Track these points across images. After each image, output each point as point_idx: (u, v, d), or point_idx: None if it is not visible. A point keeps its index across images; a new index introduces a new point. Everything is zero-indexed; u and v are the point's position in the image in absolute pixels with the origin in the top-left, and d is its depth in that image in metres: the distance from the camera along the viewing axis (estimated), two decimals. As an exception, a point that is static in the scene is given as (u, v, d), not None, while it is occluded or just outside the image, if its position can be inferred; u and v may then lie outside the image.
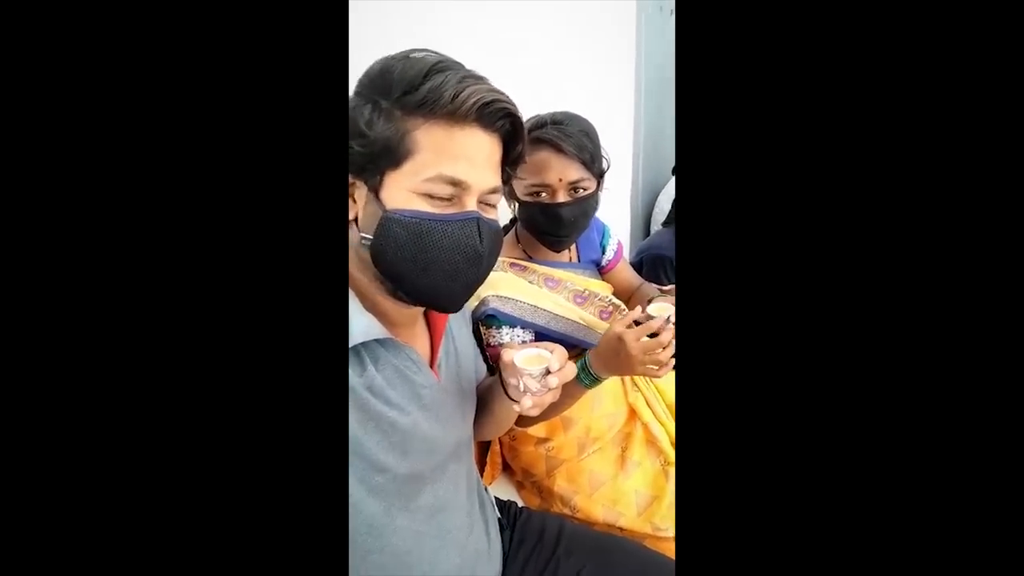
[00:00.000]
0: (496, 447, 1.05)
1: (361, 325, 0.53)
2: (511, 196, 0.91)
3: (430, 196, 0.52)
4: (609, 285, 1.05)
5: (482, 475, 1.01)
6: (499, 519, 0.79)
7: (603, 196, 0.93)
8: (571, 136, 0.83)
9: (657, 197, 1.94)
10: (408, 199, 0.51)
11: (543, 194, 0.87)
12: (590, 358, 0.78)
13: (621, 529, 0.90)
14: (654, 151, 1.85)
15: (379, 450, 0.55)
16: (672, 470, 0.93)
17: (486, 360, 0.84)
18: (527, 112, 0.88)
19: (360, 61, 0.52)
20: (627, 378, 1.00)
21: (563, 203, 0.86)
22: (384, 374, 0.56)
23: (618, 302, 1.01)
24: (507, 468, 1.07)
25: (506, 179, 0.60)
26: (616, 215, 1.72)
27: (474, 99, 0.50)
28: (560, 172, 0.84)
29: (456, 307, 0.59)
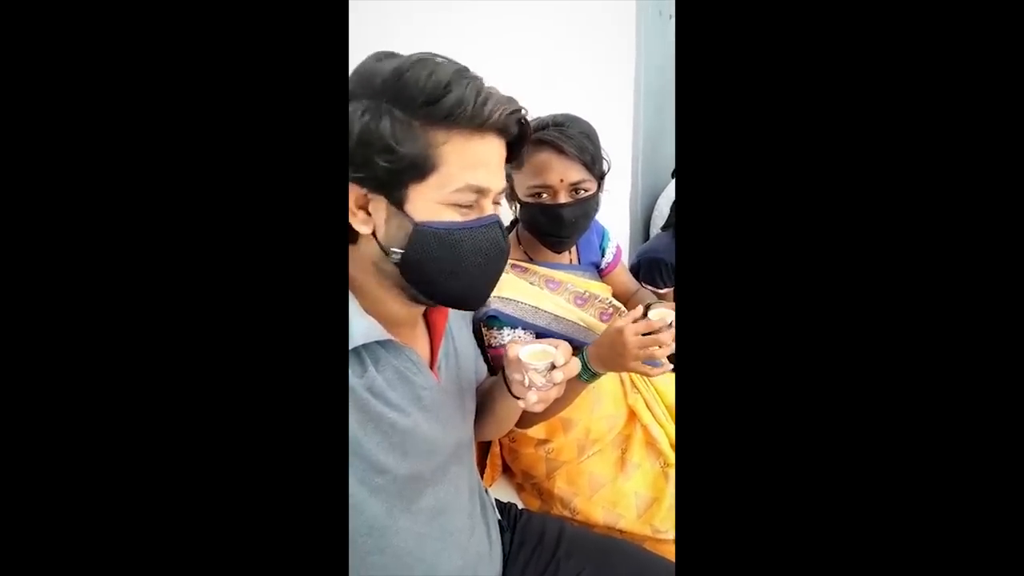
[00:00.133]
0: (496, 449, 1.05)
1: (361, 327, 0.53)
2: (512, 197, 0.92)
3: (456, 205, 0.53)
4: (609, 287, 1.05)
5: (482, 477, 1.01)
6: (499, 521, 0.79)
7: (603, 199, 0.94)
8: (572, 138, 0.84)
9: (656, 200, 1.95)
10: (436, 210, 0.52)
11: (544, 195, 0.87)
12: (588, 353, 0.79)
13: (621, 531, 0.90)
14: (653, 154, 1.85)
15: (379, 451, 0.55)
16: (672, 472, 0.93)
17: (487, 361, 0.83)
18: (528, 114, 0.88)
19: (360, 61, 0.52)
20: (627, 380, 1.00)
21: (564, 204, 0.86)
22: (384, 375, 0.56)
23: (619, 304, 1.01)
24: (507, 470, 1.07)
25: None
26: (615, 218, 1.72)
27: (498, 112, 0.51)
28: (561, 173, 0.85)
29: (480, 304, 0.61)
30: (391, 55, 0.52)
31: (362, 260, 0.55)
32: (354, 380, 0.53)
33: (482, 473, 1.02)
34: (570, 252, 1.03)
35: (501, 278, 0.61)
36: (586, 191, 0.87)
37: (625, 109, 1.66)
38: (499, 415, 0.74)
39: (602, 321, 0.96)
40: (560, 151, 0.84)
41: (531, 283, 0.93)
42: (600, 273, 1.08)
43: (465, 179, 0.52)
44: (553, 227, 0.88)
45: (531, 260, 0.97)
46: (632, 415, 0.99)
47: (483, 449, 1.03)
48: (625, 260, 1.16)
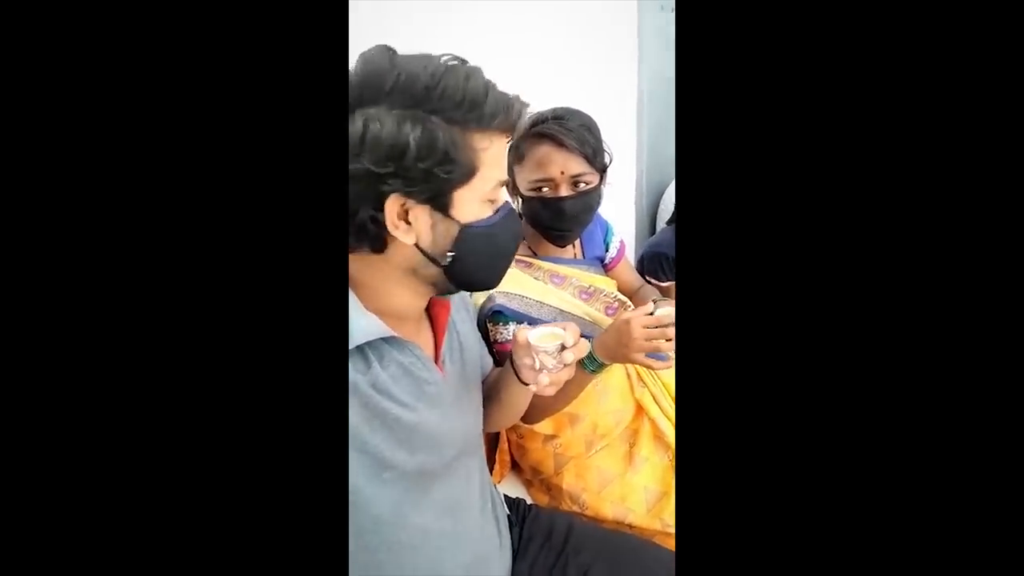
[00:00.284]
0: (504, 445, 1.05)
1: (363, 325, 0.53)
2: (514, 192, 0.92)
3: (491, 201, 0.56)
4: (614, 281, 1.05)
5: (491, 473, 1.01)
6: (508, 516, 0.79)
7: (607, 195, 0.94)
8: (572, 130, 0.84)
9: (662, 195, 1.94)
10: (475, 209, 0.54)
11: (545, 188, 0.87)
12: (595, 344, 0.79)
13: (630, 526, 0.90)
14: (658, 149, 1.84)
15: (386, 447, 0.55)
16: (680, 466, 0.93)
17: (493, 356, 0.84)
18: (530, 111, 0.88)
19: (364, 57, 0.52)
20: (633, 374, 1.00)
21: (565, 197, 0.86)
22: (389, 371, 0.56)
23: (624, 298, 1.01)
24: (515, 466, 1.07)
25: None
26: (621, 214, 1.72)
27: (522, 116, 0.54)
28: (562, 166, 0.85)
29: (498, 283, 0.64)
30: (395, 53, 0.51)
31: (388, 267, 0.56)
32: (358, 377, 0.53)
33: (491, 469, 1.02)
34: (574, 247, 1.03)
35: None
36: (587, 184, 0.87)
37: (629, 104, 1.66)
38: (508, 404, 0.74)
39: (608, 315, 0.96)
40: (560, 144, 0.84)
41: (536, 278, 0.93)
42: (604, 268, 1.08)
43: (497, 176, 0.55)
44: (555, 220, 0.88)
45: (535, 255, 0.97)
46: (639, 409, 0.98)
47: (491, 445, 1.03)
48: (630, 256, 1.16)
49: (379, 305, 0.56)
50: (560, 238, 0.92)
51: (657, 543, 0.82)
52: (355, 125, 0.48)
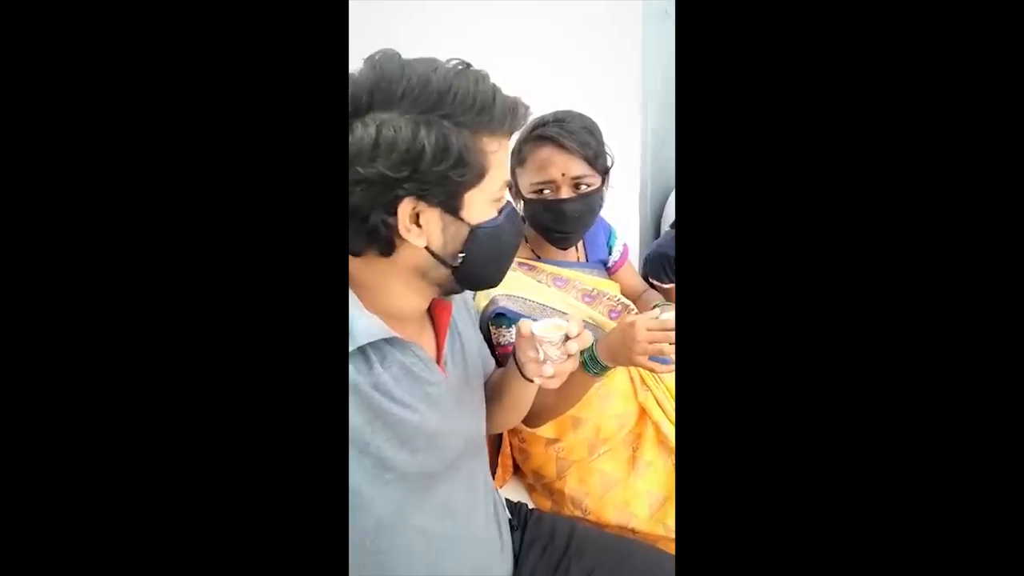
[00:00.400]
0: (507, 449, 1.04)
1: (364, 326, 0.53)
2: (516, 195, 0.92)
3: (496, 201, 0.56)
4: (617, 284, 1.05)
5: (493, 477, 1.01)
6: (510, 520, 0.78)
7: (612, 199, 0.94)
8: (573, 132, 0.84)
9: (667, 199, 1.93)
10: (483, 210, 0.55)
11: (547, 191, 0.87)
12: (598, 346, 0.79)
13: (634, 531, 0.89)
14: (662, 153, 1.84)
15: (388, 448, 0.55)
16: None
17: (495, 358, 0.83)
18: (533, 114, 0.88)
19: (360, 61, 0.52)
20: (636, 378, 0.99)
21: (567, 199, 0.86)
22: (391, 372, 0.56)
23: (627, 302, 1.00)
24: (518, 471, 1.06)
25: None
26: (625, 218, 1.72)
27: (525, 119, 0.55)
28: (563, 168, 0.85)
29: (500, 281, 0.64)
30: (402, 58, 0.51)
31: (396, 270, 0.56)
32: (359, 378, 0.53)
33: (493, 474, 1.02)
34: (577, 250, 1.03)
35: (508, 275, 0.62)
36: (589, 186, 0.87)
37: (634, 109, 1.66)
38: (511, 402, 0.73)
39: (611, 318, 0.96)
40: (561, 146, 0.84)
41: (539, 281, 0.93)
42: (607, 271, 1.07)
43: (503, 177, 0.56)
44: (557, 222, 0.88)
45: (538, 258, 0.97)
46: (643, 413, 0.98)
47: (494, 449, 1.03)
48: (634, 259, 1.15)
49: (381, 307, 0.56)
50: (562, 240, 0.92)
51: (660, 548, 0.81)
52: (368, 130, 0.48)
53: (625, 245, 1.11)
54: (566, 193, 0.86)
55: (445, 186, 0.51)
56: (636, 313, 0.99)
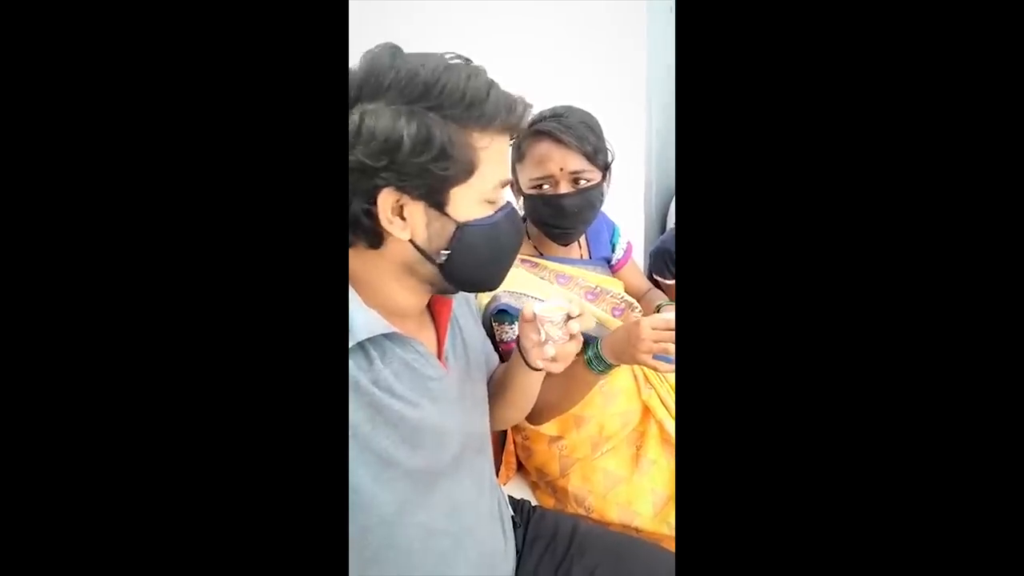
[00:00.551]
0: (510, 447, 1.04)
1: (364, 321, 0.53)
2: (517, 191, 0.92)
3: (490, 201, 0.55)
4: (621, 282, 1.04)
5: (496, 475, 1.01)
6: (512, 517, 0.78)
7: (617, 197, 0.93)
8: (571, 127, 0.84)
9: (672, 197, 1.93)
10: (473, 208, 0.54)
11: (546, 186, 0.87)
12: (603, 343, 0.79)
13: (637, 530, 0.88)
14: (667, 150, 1.84)
15: (389, 445, 0.55)
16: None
17: (497, 353, 0.83)
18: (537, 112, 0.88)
19: (370, 53, 0.52)
20: (640, 376, 0.99)
21: (566, 194, 0.86)
22: (391, 368, 0.56)
23: (631, 299, 1.00)
24: (521, 468, 1.06)
25: None
26: (630, 217, 1.71)
27: (525, 115, 0.54)
28: (561, 162, 0.85)
29: (499, 285, 0.63)
30: (397, 49, 0.52)
31: (386, 264, 0.56)
32: (359, 375, 0.53)
33: (496, 471, 1.02)
34: (580, 247, 1.02)
35: (511, 272, 0.62)
36: (588, 181, 0.87)
37: (637, 106, 1.65)
38: (516, 395, 0.73)
39: (614, 316, 0.95)
40: (558, 141, 0.84)
41: (541, 278, 0.93)
42: (611, 269, 1.07)
43: (499, 176, 0.55)
44: (556, 218, 0.88)
45: (541, 255, 0.97)
46: (646, 411, 0.97)
47: (498, 447, 1.03)
48: (638, 258, 1.15)
49: (379, 302, 0.56)
50: (562, 236, 0.92)
51: (663, 547, 0.81)
52: (352, 119, 0.49)
53: (629, 243, 1.11)
54: (565, 188, 0.86)
55: (426, 179, 0.50)
56: (639, 311, 0.99)
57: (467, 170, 0.52)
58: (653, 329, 0.72)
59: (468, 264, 0.56)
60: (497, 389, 0.75)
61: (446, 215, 0.53)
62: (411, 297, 0.60)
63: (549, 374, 0.67)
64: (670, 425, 0.94)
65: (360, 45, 0.51)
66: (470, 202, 0.54)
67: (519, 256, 0.94)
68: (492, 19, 1.10)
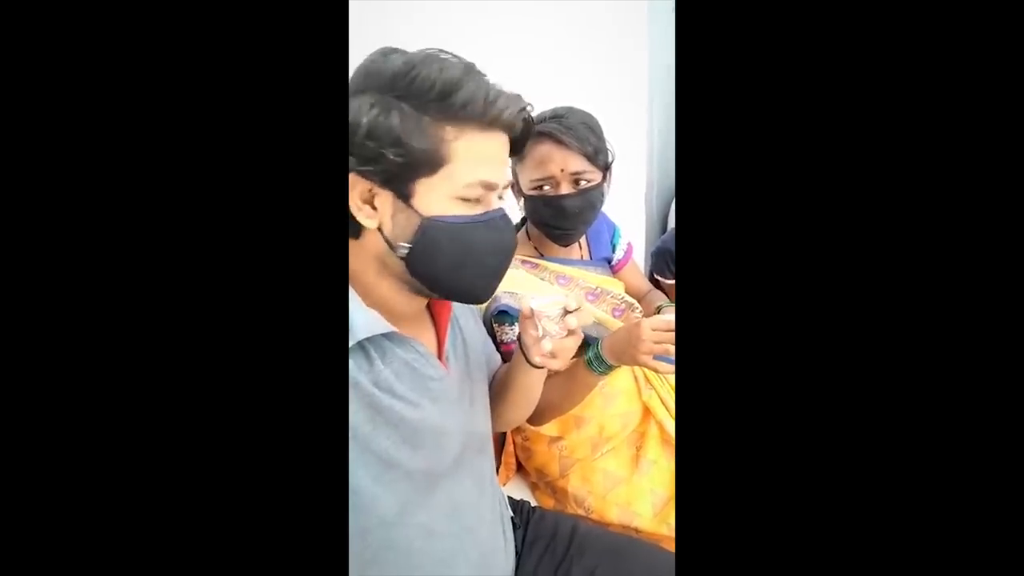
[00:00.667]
0: (510, 447, 1.04)
1: (363, 320, 0.53)
2: (518, 193, 0.92)
3: (464, 200, 0.53)
4: (621, 283, 1.04)
5: (496, 476, 1.01)
6: (512, 518, 0.78)
7: (617, 198, 0.93)
8: (572, 128, 0.83)
9: (673, 198, 1.93)
10: (444, 205, 0.53)
11: (547, 187, 0.87)
12: (603, 344, 0.78)
13: (637, 530, 0.88)
14: (668, 151, 1.84)
15: (390, 445, 0.55)
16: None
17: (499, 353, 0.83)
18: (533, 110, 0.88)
19: (360, 61, 0.53)
20: (641, 377, 0.99)
21: (567, 195, 0.86)
22: (392, 368, 0.56)
23: (631, 300, 1.00)
24: (521, 469, 1.06)
25: None
26: (631, 217, 1.71)
27: (508, 109, 0.52)
28: (562, 163, 0.84)
29: (486, 298, 0.61)
30: (396, 51, 0.53)
31: (365, 255, 0.56)
32: (359, 375, 0.53)
33: (496, 472, 1.02)
34: (580, 247, 1.02)
35: (511, 273, 0.61)
36: (589, 182, 0.87)
37: (639, 107, 1.65)
38: (519, 394, 0.73)
39: (614, 317, 0.95)
40: (559, 142, 0.84)
41: (541, 279, 0.93)
42: (611, 269, 1.07)
43: (476, 175, 0.53)
44: (556, 219, 0.88)
45: (541, 256, 0.97)
46: (647, 412, 0.97)
47: (497, 448, 1.03)
48: (639, 259, 1.15)
49: (373, 301, 0.56)
50: (563, 237, 0.92)
51: (663, 547, 0.81)
52: None
53: (629, 244, 1.11)
54: (566, 189, 0.86)
55: (382, 164, 0.50)
56: (640, 312, 0.99)
57: (431, 162, 0.51)
58: (653, 330, 0.72)
59: (431, 262, 0.54)
60: (499, 390, 0.75)
61: (411, 207, 0.52)
62: (395, 296, 0.58)
63: (550, 374, 0.67)
64: (670, 426, 0.94)
65: (360, 45, 0.51)
66: (439, 197, 0.52)
67: (520, 257, 0.94)
68: (492, 19, 1.10)
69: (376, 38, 0.54)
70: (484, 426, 0.71)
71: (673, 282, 1.22)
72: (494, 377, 0.78)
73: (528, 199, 0.90)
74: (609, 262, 1.07)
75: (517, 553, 0.75)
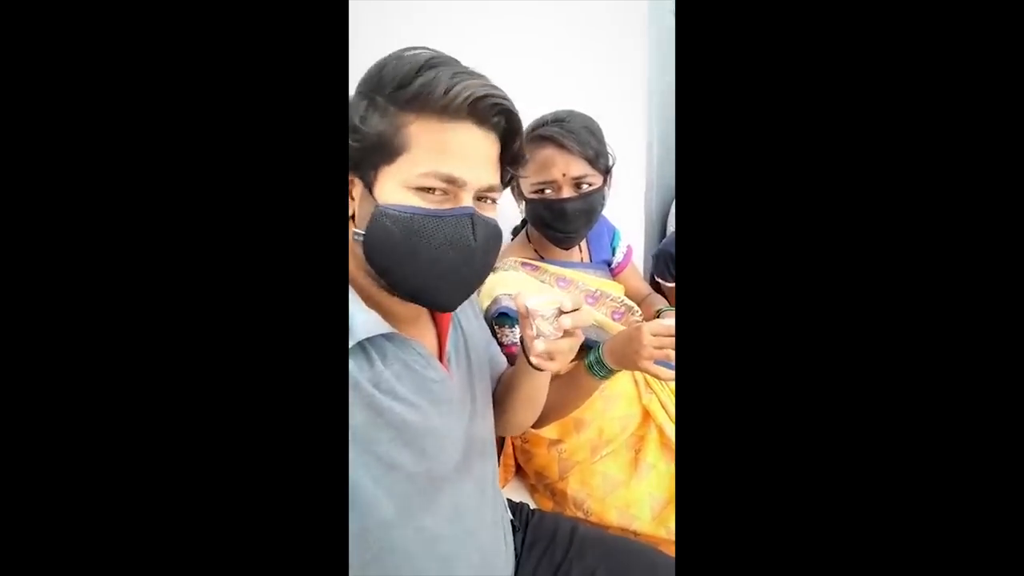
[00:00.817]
0: (509, 450, 1.04)
1: (364, 321, 0.53)
2: (519, 196, 0.92)
3: (424, 191, 0.52)
4: (621, 286, 1.04)
5: (495, 478, 1.00)
6: (511, 520, 0.78)
7: (617, 201, 0.93)
8: (573, 132, 0.84)
9: (673, 201, 1.93)
10: (402, 194, 0.51)
11: (548, 191, 0.87)
12: (604, 348, 0.78)
13: (635, 533, 0.88)
14: (668, 154, 1.84)
15: (391, 447, 0.54)
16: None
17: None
18: (537, 114, 0.88)
19: (360, 61, 0.52)
20: (641, 381, 0.99)
21: (568, 199, 0.86)
22: (392, 370, 0.56)
23: (631, 303, 1.00)
24: (520, 471, 1.06)
25: (508, 179, 0.59)
26: (631, 220, 1.71)
27: (466, 94, 0.50)
28: (563, 167, 0.85)
29: (451, 305, 0.58)
30: (393, 54, 0.53)
31: (352, 254, 0.56)
32: (360, 376, 0.52)
33: (495, 474, 1.02)
34: (581, 250, 1.02)
35: (512, 276, 0.61)
36: (590, 185, 0.87)
37: (638, 110, 1.65)
38: (523, 397, 0.72)
39: (614, 319, 0.95)
40: (561, 146, 0.84)
41: (542, 281, 0.93)
42: (611, 272, 1.07)
43: (432, 164, 0.51)
44: (558, 222, 0.88)
45: (542, 259, 0.97)
46: (646, 416, 0.97)
47: (496, 450, 1.02)
48: (638, 262, 1.15)
49: (372, 304, 0.55)
50: (564, 240, 0.92)
51: (661, 551, 0.80)
52: None
53: (629, 247, 1.11)
54: (567, 193, 0.86)
55: (349, 151, 0.52)
56: (639, 315, 0.99)
57: (388, 148, 0.51)
58: (654, 335, 0.71)
59: (381, 252, 0.53)
60: (504, 391, 0.74)
61: (372, 195, 0.53)
62: (387, 296, 0.57)
63: (553, 378, 0.66)
64: (670, 430, 0.94)
65: (360, 45, 0.51)
66: (394, 186, 0.52)
67: (520, 259, 0.94)
68: (492, 19, 1.09)
69: (376, 38, 0.54)
70: (487, 429, 0.70)
71: (673, 285, 1.22)
72: (499, 381, 0.77)
73: (529, 202, 0.90)
74: (609, 265, 1.07)
75: (516, 556, 0.75)
